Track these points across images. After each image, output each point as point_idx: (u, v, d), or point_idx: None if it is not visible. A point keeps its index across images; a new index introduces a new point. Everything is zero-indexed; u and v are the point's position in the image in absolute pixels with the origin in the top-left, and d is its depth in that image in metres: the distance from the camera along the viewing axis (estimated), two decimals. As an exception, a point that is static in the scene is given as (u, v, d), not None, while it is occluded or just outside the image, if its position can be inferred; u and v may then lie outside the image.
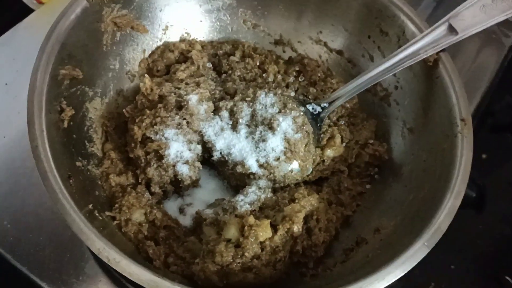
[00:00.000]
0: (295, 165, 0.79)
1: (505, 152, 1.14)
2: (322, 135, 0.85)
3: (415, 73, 0.83)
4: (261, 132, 0.79)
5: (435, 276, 0.98)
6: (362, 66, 0.93)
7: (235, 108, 0.82)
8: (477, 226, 1.06)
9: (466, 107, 0.76)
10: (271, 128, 0.79)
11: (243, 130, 0.81)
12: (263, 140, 0.79)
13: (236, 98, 0.85)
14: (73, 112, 0.73)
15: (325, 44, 0.97)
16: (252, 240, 0.67)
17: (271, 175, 0.79)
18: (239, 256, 0.66)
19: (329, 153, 0.84)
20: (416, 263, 0.62)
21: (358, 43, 0.93)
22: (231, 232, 0.68)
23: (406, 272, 0.62)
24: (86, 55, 0.78)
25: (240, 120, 0.81)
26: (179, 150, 0.77)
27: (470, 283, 1.00)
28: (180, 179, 0.78)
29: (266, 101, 0.82)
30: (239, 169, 0.79)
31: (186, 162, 0.78)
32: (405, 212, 0.75)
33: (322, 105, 0.85)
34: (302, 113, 0.82)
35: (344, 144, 0.86)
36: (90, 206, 0.68)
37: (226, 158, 0.80)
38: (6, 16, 1.12)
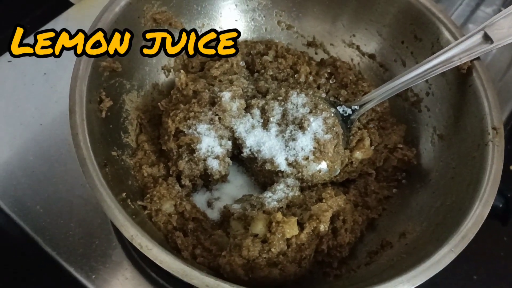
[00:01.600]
0: (323, 165, 0.80)
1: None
2: (351, 137, 0.85)
3: (447, 80, 0.83)
4: (291, 131, 0.80)
5: (457, 286, 0.97)
6: (394, 71, 0.93)
7: (266, 107, 0.83)
8: (502, 237, 1.05)
9: (498, 116, 0.75)
10: (301, 127, 0.80)
11: (273, 129, 0.81)
12: (293, 139, 0.79)
13: (268, 97, 0.86)
14: (111, 103, 0.75)
15: (358, 48, 0.97)
16: (279, 236, 0.67)
17: (299, 174, 0.79)
18: (265, 251, 0.67)
19: (358, 155, 0.84)
20: (442, 269, 0.62)
21: (391, 48, 0.93)
22: (259, 227, 0.69)
23: (431, 276, 0.61)
24: (126, 48, 0.80)
25: (271, 119, 0.82)
26: (210, 145, 0.79)
27: (492, 294, 0.99)
28: (209, 173, 0.80)
29: (298, 101, 0.82)
30: (268, 166, 0.80)
31: (217, 157, 0.79)
32: (432, 219, 0.75)
33: (353, 107, 0.85)
34: (332, 115, 0.82)
35: (373, 147, 0.86)
36: (124, 194, 0.69)
37: (256, 155, 0.81)
38: (46, 8, 1.15)
